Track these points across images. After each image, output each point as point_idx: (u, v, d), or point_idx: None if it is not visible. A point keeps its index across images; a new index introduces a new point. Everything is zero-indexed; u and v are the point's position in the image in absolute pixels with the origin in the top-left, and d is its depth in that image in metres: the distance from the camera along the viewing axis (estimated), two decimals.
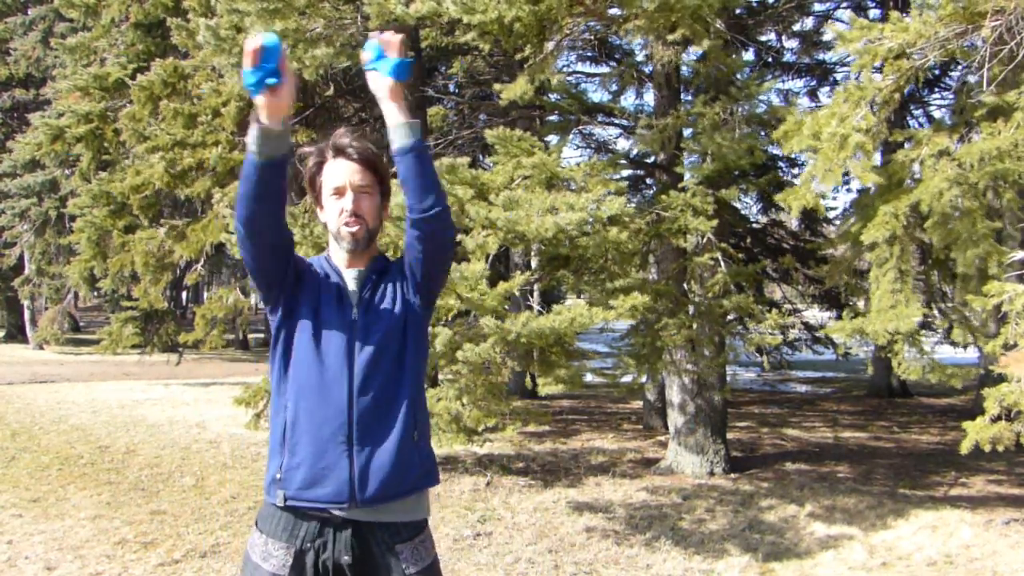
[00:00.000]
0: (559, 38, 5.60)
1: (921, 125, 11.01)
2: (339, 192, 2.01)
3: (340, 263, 2.07)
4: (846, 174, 4.86)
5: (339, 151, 2.02)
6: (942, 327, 5.24)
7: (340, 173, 2.01)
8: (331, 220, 2.04)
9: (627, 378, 6.34)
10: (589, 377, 6.38)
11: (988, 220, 4.44)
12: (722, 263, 6.25)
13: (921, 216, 4.59)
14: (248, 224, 1.90)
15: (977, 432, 4.35)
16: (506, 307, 5.00)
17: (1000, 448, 4.36)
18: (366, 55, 1.99)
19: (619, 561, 4.96)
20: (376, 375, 1.96)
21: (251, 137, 1.81)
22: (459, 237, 4.99)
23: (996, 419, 4.34)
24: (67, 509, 5.88)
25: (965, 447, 4.45)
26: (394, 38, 1.96)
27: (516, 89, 5.48)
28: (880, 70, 4.67)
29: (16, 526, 5.43)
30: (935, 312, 8.34)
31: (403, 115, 1.95)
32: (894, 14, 4.55)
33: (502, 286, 4.88)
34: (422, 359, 2.08)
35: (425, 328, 2.11)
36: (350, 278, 2.04)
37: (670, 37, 5.41)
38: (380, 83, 1.97)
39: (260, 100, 1.79)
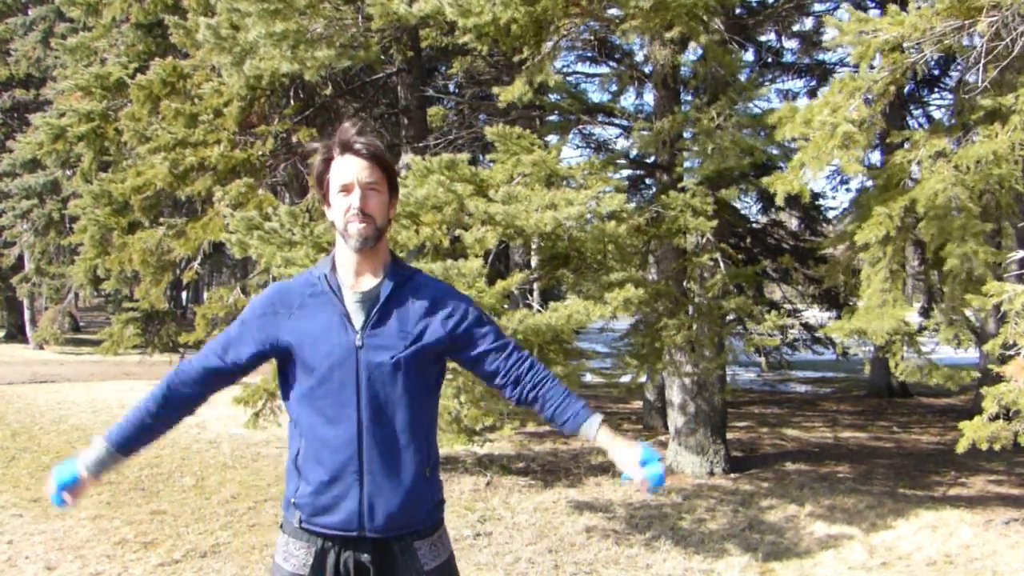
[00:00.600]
0: (556, 39, 5.60)
1: (921, 125, 11.00)
2: (347, 189, 1.94)
3: (346, 270, 1.99)
4: (839, 168, 4.89)
5: (346, 147, 1.95)
6: (937, 327, 5.24)
7: (348, 170, 1.94)
8: (338, 218, 1.96)
9: (626, 378, 6.34)
10: (588, 377, 6.38)
11: (983, 222, 4.44)
12: (722, 263, 6.25)
13: (917, 217, 4.60)
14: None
15: (974, 431, 4.36)
16: (505, 306, 5.00)
17: (997, 447, 4.36)
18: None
19: (619, 561, 4.97)
20: (387, 404, 1.93)
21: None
22: (457, 232, 4.99)
23: (994, 418, 4.35)
24: (67, 509, 5.87)
25: (962, 447, 4.46)
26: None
27: (514, 91, 5.48)
28: None
29: (16, 526, 5.43)
30: (937, 313, 8.31)
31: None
32: (892, 7, 4.54)
33: (501, 284, 4.88)
34: (437, 384, 2.06)
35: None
36: (352, 302, 1.97)
37: (667, 35, 5.41)
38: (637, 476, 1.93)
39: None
